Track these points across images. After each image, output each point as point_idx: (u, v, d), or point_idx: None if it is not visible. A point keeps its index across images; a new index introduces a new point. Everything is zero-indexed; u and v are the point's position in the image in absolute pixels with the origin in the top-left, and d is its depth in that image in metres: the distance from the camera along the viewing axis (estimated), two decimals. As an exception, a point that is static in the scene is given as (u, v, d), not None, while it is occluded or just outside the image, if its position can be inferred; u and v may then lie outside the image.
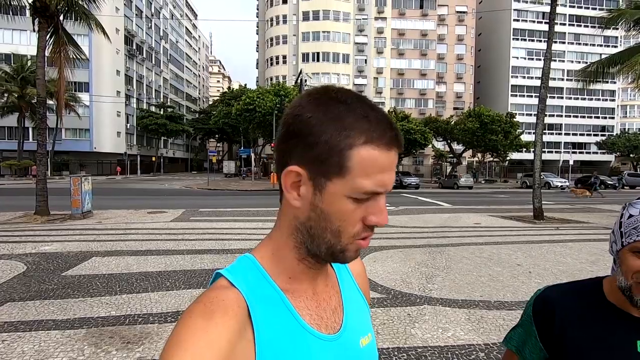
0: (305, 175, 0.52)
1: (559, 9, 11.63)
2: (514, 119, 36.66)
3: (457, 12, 53.55)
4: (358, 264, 0.76)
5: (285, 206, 0.57)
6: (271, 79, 48.39)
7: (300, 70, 28.90)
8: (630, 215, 0.80)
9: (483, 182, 40.67)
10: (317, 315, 0.58)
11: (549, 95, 13.22)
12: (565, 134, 55.95)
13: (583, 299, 0.90)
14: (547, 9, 11.38)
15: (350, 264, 0.74)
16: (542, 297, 0.94)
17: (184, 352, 0.43)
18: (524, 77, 54.74)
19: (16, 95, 33.36)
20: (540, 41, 51.95)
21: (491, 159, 41.82)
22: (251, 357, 0.49)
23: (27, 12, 11.02)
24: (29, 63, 33.69)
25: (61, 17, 11.38)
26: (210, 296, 0.51)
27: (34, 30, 10.80)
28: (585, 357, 0.83)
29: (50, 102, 23.62)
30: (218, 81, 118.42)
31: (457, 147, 40.90)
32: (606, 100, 56.52)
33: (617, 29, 13.63)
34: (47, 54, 11.10)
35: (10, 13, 11.38)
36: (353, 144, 0.50)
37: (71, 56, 11.97)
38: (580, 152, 54.67)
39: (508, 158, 40.79)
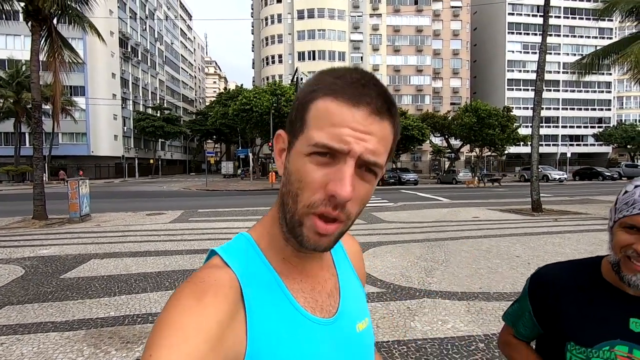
0: (286, 138, 0.52)
1: (553, 2, 11.64)
2: (511, 113, 36.59)
3: (452, 7, 53.50)
4: (354, 246, 0.73)
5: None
6: (267, 79, 48.30)
7: (296, 69, 28.87)
8: (626, 192, 0.81)
9: (502, 176, 40.01)
10: (311, 299, 0.56)
11: (545, 88, 13.25)
12: (562, 126, 56.06)
13: (579, 276, 0.91)
14: (542, 2, 11.37)
15: (347, 244, 0.70)
16: (539, 274, 0.96)
17: (173, 333, 0.42)
18: (519, 71, 54.79)
19: (12, 101, 33.18)
20: (536, 34, 52.01)
21: (489, 153, 41.79)
22: (242, 340, 0.47)
23: (21, 17, 10.95)
24: (24, 68, 33.52)
25: (55, 21, 11.33)
26: (202, 275, 0.49)
27: (28, 34, 10.74)
28: (578, 333, 0.84)
29: (46, 106, 23.53)
30: (214, 82, 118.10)
31: (455, 142, 40.87)
32: (602, 92, 56.62)
33: (612, 20, 13.64)
34: (42, 57, 11.04)
35: (4, 18, 11.30)
36: (315, 97, 0.48)
37: (66, 60, 11.90)
38: (577, 145, 54.79)
39: (506, 152, 40.76)
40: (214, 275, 0.49)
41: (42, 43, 10.93)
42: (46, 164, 31.84)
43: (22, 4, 10.39)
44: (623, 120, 53.32)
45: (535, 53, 48.53)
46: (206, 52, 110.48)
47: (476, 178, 29.09)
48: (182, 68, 73.39)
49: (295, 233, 0.49)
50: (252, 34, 61.01)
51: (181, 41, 73.52)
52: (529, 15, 54.54)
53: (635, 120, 53.47)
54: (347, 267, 0.67)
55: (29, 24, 10.50)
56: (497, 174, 31.11)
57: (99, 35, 12.36)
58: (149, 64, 57.45)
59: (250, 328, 0.48)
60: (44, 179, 11.11)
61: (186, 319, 0.43)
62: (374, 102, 0.47)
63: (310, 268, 0.58)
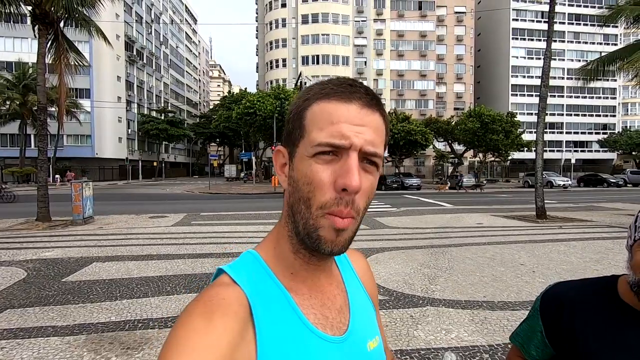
0: (286, 152, 0.54)
1: (557, 8, 11.61)
2: (515, 118, 36.55)
3: (456, 12, 53.61)
4: (362, 262, 0.71)
5: (284, 195, 0.56)
6: (271, 83, 48.51)
7: (300, 73, 29.01)
8: None
9: (485, 182, 40.50)
10: (322, 315, 0.55)
11: (549, 94, 13.19)
12: (567, 132, 55.82)
13: (594, 296, 0.87)
14: (546, 8, 11.36)
15: (354, 261, 0.69)
16: (550, 293, 0.92)
17: (184, 354, 0.41)
18: (524, 77, 54.71)
19: (18, 103, 33.49)
20: (540, 40, 51.96)
21: (492, 158, 41.67)
22: (252, 358, 0.46)
23: (28, 20, 11.06)
24: (31, 70, 33.88)
25: (61, 24, 11.42)
26: (210, 294, 0.48)
27: (35, 37, 10.83)
28: (596, 357, 0.80)
29: (51, 108, 23.73)
30: (218, 85, 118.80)
31: (458, 147, 40.80)
32: (607, 98, 56.39)
33: (617, 26, 13.60)
34: (48, 60, 11.12)
35: (11, 21, 11.41)
36: (309, 103, 0.52)
37: (72, 62, 11.96)
38: (582, 151, 54.46)
39: (509, 158, 40.62)
40: (223, 293, 0.48)
41: (48, 46, 11.03)
42: (51, 166, 32.03)
43: (30, 8, 10.50)
44: (628, 127, 52.98)
45: (540, 59, 48.50)
46: (211, 56, 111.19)
47: (448, 183, 28.83)
48: (186, 71, 73.87)
49: (312, 238, 0.50)
50: (257, 38, 61.34)
51: (186, 45, 74.04)
52: (533, 21, 54.55)
53: (641, 126, 53.16)
54: (356, 283, 0.65)
55: (36, 27, 10.60)
56: (489, 179, 30.85)
57: (105, 38, 12.44)
58: (154, 67, 57.87)
59: (260, 346, 0.47)
60: (51, 180, 11.15)
61: (196, 339, 0.42)
62: (363, 97, 0.50)
63: (319, 283, 0.57)
